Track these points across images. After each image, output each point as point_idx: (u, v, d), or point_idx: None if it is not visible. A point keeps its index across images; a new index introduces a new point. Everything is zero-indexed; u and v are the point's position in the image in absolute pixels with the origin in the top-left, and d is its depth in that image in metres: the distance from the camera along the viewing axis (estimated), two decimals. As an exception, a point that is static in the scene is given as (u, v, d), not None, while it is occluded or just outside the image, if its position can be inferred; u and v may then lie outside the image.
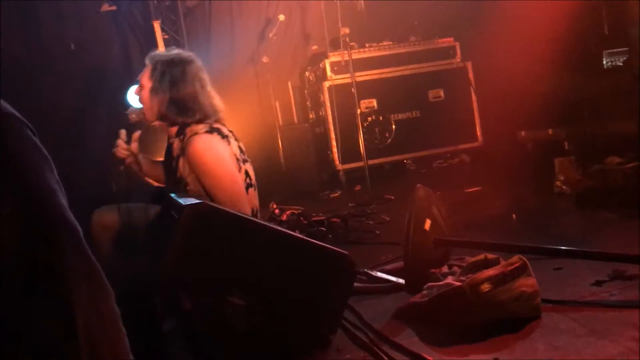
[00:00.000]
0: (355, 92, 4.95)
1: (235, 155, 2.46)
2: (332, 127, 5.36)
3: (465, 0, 6.12)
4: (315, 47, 5.95)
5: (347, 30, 4.97)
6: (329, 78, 5.41)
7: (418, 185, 2.34)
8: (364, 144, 5.07)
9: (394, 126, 5.56)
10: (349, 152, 5.27)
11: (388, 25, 6.03)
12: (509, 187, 4.01)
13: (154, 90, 2.46)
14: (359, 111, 5.14)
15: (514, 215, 3.27)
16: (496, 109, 5.60)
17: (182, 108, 2.44)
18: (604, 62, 5.17)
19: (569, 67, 5.36)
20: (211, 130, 2.43)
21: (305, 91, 5.86)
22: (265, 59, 5.59)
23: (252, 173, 2.56)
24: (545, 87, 5.36)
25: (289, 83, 5.96)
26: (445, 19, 6.11)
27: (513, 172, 4.41)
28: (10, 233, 1.02)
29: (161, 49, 4.77)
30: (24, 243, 1.03)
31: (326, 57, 5.44)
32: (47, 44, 4.86)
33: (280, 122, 5.79)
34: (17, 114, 1.11)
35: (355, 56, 5.35)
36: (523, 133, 5.21)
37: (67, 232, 1.09)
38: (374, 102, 5.53)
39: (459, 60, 5.77)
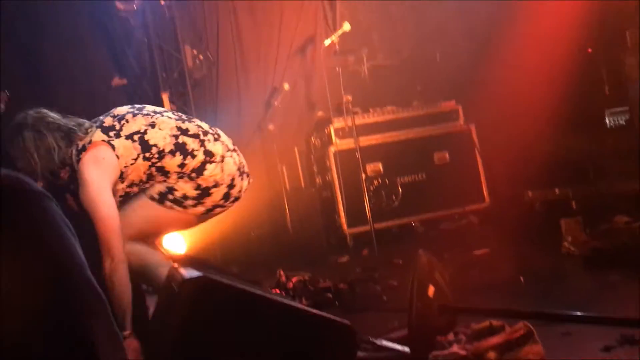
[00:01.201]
0: (359, 156, 5.00)
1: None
2: (338, 192, 5.39)
3: (467, 64, 6.29)
4: (320, 113, 6.07)
5: (349, 98, 5.08)
6: (334, 143, 5.49)
7: (420, 251, 2.34)
8: (371, 208, 5.08)
9: (400, 189, 5.59)
10: (356, 216, 5.28)
11: (391, 91, 6.16)
12: (517, 249, 3.98)
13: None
14: (364, 176, 5.18)
15: (521, 278, 3.23)
16: (502, 170, 5.63)
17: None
18: (607, 121, 5.22)
19: (572, 126, 5.41)
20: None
21: (312, 156, 5.94)
22: (271, 127, 5.70)
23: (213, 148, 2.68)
24: (550, 146, 5.40)
25: (296, 149, 6.05)
26: (447, 82, 6.24)
27: (521, 233, 4.38)
28: (43, 302, 1.05)
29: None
30: (55, 311, 1.07)
31: (331, 122, 5.53)
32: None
33: (288, 187, 5.84)
34: (43, 190, 1.17)
35: (359, 121, 5.44)
36: (530, 193, 5.21)
37: (95, 300, 1.15)
38: (380, 166, 5.57)
39: (462, 122, 5.85)
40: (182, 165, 2.61)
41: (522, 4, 5.84)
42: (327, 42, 5.14)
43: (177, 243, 4.19)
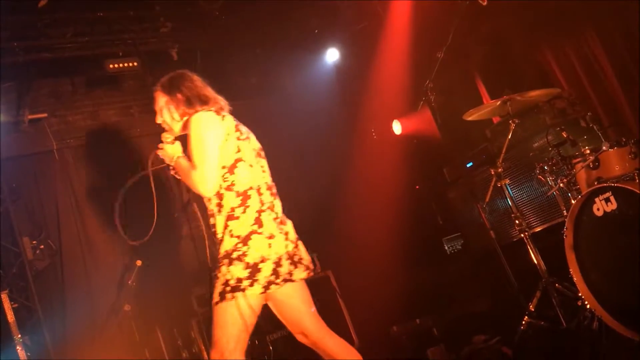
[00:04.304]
0: (225, 322, 4.88)
1: (226, 128, 2.85)
2: (208, 363, 5.14)
3: (314, 214, 6.63)
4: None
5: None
6: (197, 312, 5.33)
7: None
8: (245, 374, 4.88)
9: (271, 347, 5.47)
10: (231, 385, 5.02)
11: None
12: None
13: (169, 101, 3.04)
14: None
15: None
16: (365, 309, 5.79)
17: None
18: (446, 248, 5.71)
19: (417, 258, 5.84)
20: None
21: (175, 330, 5.67)
22: (127, 307, 5.42)
23: (248, 148, 2.93)
24: (402, 280, 5.72)
25: (157, 327, 5.76)
26: (298, 233, 6.46)
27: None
28: None
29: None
30: None
31: (190, 292, 5.41)
32: None
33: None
34: None
35: (219, 286, 5.38)
36: (395, 328, 5.39)
37: None
38: (247, 327, 5.46)
39: (319, 270, 6.02)
40: None
41: (351, 154, 6.45)
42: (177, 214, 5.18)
43: None
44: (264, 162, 3.04)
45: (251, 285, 2.70)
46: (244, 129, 3.00)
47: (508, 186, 4.09)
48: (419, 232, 5.85)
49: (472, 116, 4.17)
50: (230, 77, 6.74)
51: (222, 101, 3.08)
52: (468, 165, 5.20)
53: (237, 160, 2.84)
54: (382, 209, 5.99)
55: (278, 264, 2.76)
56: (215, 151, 2.79)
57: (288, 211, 6.41)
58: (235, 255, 2.71)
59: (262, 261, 2.73)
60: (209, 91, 3.07)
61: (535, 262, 3.89)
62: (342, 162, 6.50)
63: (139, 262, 5.54)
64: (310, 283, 5.82)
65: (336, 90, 7.00)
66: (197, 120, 2.85)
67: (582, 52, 5.12)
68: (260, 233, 2.77)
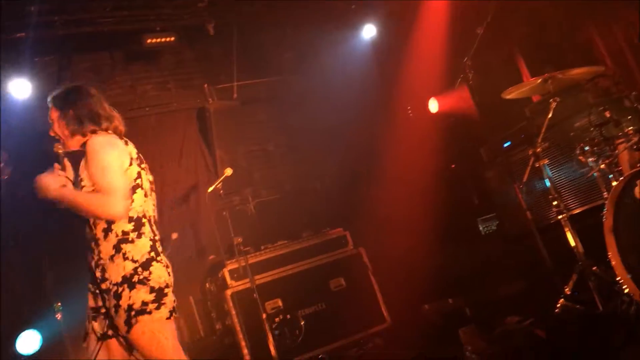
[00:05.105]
0: (257, 296, 4.96)
1: (129, 154, 2.80)
2: (241, 335, 5.23)
3: (347, 191, 6.63)
4: (212, 256, 6.01)
5: (239, 239, 5.12)
6: (230, 286, 5.41)
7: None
8: (276, 347, 4.97)
9: (302, 322, 5.54)
10: (263, 357, 5.11)
11: (280, 226, 6.29)
12: (425, 366, 4.03)
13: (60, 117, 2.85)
14: (264, 315, 5.12)
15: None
16: (397, 288, 5.80)
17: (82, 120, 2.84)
18: (481, 228, 5.64)
19: (451, 237, 5.79)
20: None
21: (209, 303, 5.78)
22: (163, 279, 5.54)
23: (145, 178, 2.84)
24: (435, 259, 5.69)
25: (191, 298, 5.87)
26: (331, 210, 6.50)
27: (425, 348, 4.46)
28: None
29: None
30: None
31: (224, 265, 5.49)
32: None
33: (187, 340, 5.58)
34: None
35: (252, 260, 5.45)
36: (427, 306, 5.37)
37: None
38: (279, 302, 5.53)
39: (351, 247, 6.04)
40: None
41: (386, 132, 6.39)
42: (211, 189, 5.23)
43: None
44: (154, 197, 2.94)
45: (157, 308, 2.64)
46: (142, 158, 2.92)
47: (547, 166, 4.01)
48: (453, 212, 5.79)
49: (511, 94, 4.08)
50: (266, 53, 6.74)
51: (117, 119, 2.96)
52: (506, 145, 5.09)
53: (135, 187, 2.77)
54: (417, 187, 5.94)
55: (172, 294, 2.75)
56: (122, 173, 2.72)
57: (321, 189, 6.42)
58: (135, 279, 2.64)
59: (167, 287, 2.71)
60: (104, 109, 2.92)
61: (573, 244, 3.82)
62: (377, 139, 6.46)
63: (174, 235, 5.64)
64: (342, 260, 5.91)
65: (372, 67, 6.92)
66: (100, 144, 2.76)
67: (630, 29, 4.94)
68: (159, 261, 2.74)
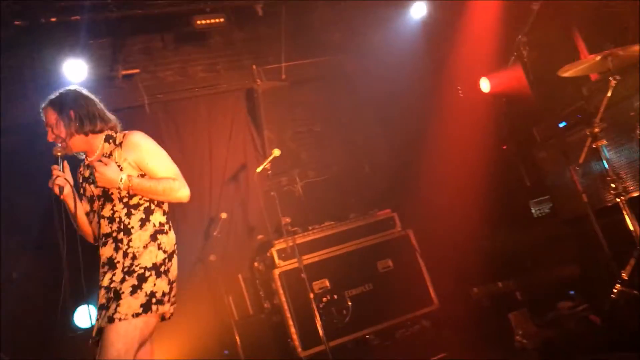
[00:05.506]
0: (305, 276, 5.00)
1: None
2: (288, 314, 5.29)
3: (395, 172, 6.57)
4: (261, 236, 6.09)
5: (287, 220, 5.15)
6: (278, 265, 5.47)
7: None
8: (323, 326, 5.00)
9: (349, 302, 5.56)
10: (310, 336, 5.17)
11: (327, 206, 6.30)
12: (472, 349, 3.98)
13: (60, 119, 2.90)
14: (312, 294, 5.16)
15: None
16: (445, 270, 5.74)
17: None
18: (533, 211, 5.50)
19: (502, 220, 5.66)
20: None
21: (257, 281, 5.86)
22: (212, 257, 5.65)
23: None
24: (485, 242, 5.59)
25: (240, 276, 5.96)
26: (379, 191, 6.46)
27: (474, 332, 4.41)
28: None
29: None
30: None
31: (272, 245, 5.54)
32: None
33: (236, 317, 5.69)
34: None
35: (300, 240, 5.48)
36: (476, 289, 5.31)
37: None
38: (327, 282, 5.56)
39: (399, 229, 6.00)
40: None
41: (436, 113, 6.28)
42: (259, 169, 5.27)
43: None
44: None
45: (168, 301, 2.76)
46: None
47: (605, 148, 3.86)
48: (504, 194, 5.66)
49: (568, 72, 3.93)
50: (315, 33, 6.70)
51: (114, 120, 3.04)
52: (561, 125, 4.92)
53: None
54: (466, 169, 5.82)
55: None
56: None
57: (369, 170, 6.38)
58: (162, 269, 2.75)
59: (174, 281, 2.84)
60: (100, 110, 2.99)
61: (632, 228, 3.67)
62: (426, 120, 6.35)
63: (223, 215, 5.73)
64: (390, 241, 5.88)
65: (421, 46, 6.78)
66: (143, 137, 2.92)
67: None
68: (176, 255, 2.90)
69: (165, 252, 2.79)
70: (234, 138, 6.35)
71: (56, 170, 2.84)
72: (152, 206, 2.85)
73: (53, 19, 5.10)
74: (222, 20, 5.75)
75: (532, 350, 3.54)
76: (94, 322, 2.71)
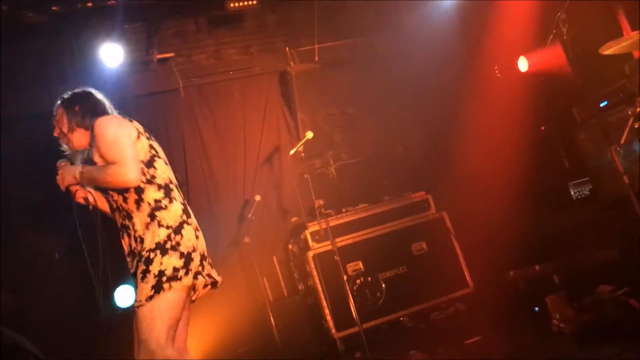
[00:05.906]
0: (338, 258, 5.01)
1: (136, 129, 2.86)
2: (322, 296, 5.32)
3: (430, 154, 6.49)
4: (294, 218, 6.11)
5: (321, 202, 5.16)
6: (312, 247, 5.50)
7: (412, 352, 2.31)
8: (357, 308, 5.02)
9: (383, 285, 5.56)
10: (343, 318, 5.19)
11: (361, 189, 6.28)
12: (508, 333, 3.94)
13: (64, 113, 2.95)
14: (345, 276, 5.17)
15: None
16: (480, 253, 5.67)
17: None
18: (572, 193, 5.37)
19: (541, 202, 5.55)
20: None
21: (291, 263, 5.91)
22: (247, 240, 5.71)
23: (159, 148, 2.94)
24: (522, 224, 5.49)
25: (274, 258, 6.02)
26: (413, 174, 6.41)
27: (509, 315, 4.36)
28: None
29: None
30: None
31: (306, 227, 5.57)
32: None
33: (271, 298, 5.76)
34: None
35: (333, 222, 5.49)
36: (512, 273, 5.22)
37: None
38: (360, 264, 5.57)
39: (434, 211, 5.95)
40: None
41: (472, 93, 6.16)
42: (292, 151, 5.28)
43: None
44: (170, 167, 2.99)
45: (186, 274, 2.70)
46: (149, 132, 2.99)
47: (647, 128, 3.73)
48: (542, 176, 5.53)
49: (609, 50, 3.80)
50: (347, 15, 6.63)
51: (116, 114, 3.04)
52: (602, 105, 4.78)
53: (154, 157, 2.87)
54: (503, 150, 5.71)
55: (203, 256, 2.81)
56: (131, 145, 2.79)
57: (403, 151, 6.31)
58: (169, 245, 2.71)
59: (194, 251, 2.76)
60: (103, 106, 3.01)
61: (675, 211, 3.56)
62: (462, 101, 6.24)
63: (257, 197, 5.77)
64: (424, 224, 5.84)
65: (456, 26, 6.64)
66: (103, 122, 2.84)
67: None
68: (190, 224, 2.80)
69: (168, 227, 2.74)
70: (268, 120, 6.37)
71: (60, 165, 2.96)
72: (141, 185, 2.78)
73: (89, 4, 5.17)
74: (255, 2, 5.74)
75: (569, 334, 3.48)
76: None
